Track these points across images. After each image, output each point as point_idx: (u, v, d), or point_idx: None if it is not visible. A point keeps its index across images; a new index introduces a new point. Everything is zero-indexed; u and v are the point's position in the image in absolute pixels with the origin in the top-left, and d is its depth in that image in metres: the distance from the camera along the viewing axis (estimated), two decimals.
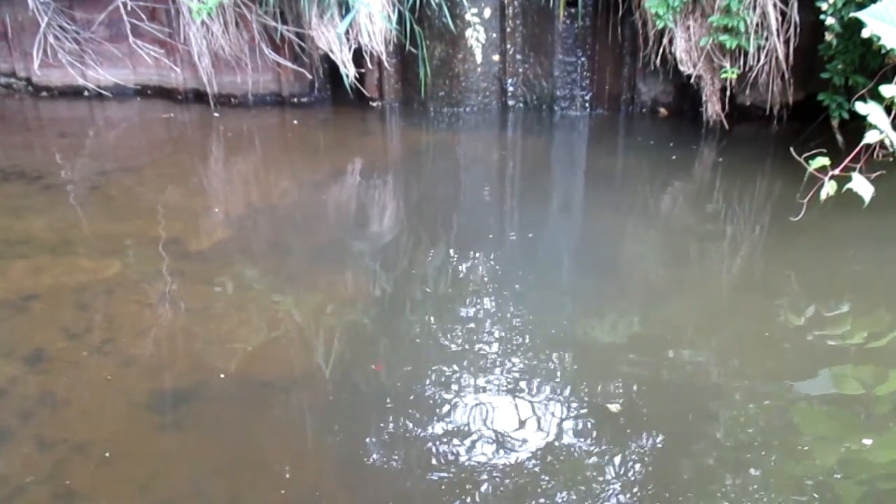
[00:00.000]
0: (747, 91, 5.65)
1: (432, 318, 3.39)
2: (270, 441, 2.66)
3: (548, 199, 4.85)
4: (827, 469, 2.52)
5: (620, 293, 3.65)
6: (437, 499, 2.40)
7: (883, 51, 4.20)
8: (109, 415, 2.78)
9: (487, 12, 5.86)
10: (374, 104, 6.48)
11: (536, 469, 2.51)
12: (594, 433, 2.69)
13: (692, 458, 2.58)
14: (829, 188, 3.48)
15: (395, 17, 5.83)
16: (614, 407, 2.76)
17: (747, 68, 5.38)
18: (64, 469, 2.51)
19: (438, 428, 2.71)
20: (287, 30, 6.02)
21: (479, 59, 5.83)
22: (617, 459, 2.56)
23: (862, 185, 3.38)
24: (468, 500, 2.39)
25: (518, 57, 6.18)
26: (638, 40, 5.88)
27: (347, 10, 5.63)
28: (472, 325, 3.34)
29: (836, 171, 3.50)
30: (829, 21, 4.63)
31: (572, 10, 5.90)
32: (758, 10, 5.15)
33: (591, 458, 2.57)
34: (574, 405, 2.83)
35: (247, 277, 3.78)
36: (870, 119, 3.41)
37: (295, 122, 6.24)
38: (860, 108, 3.46)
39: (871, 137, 3.42)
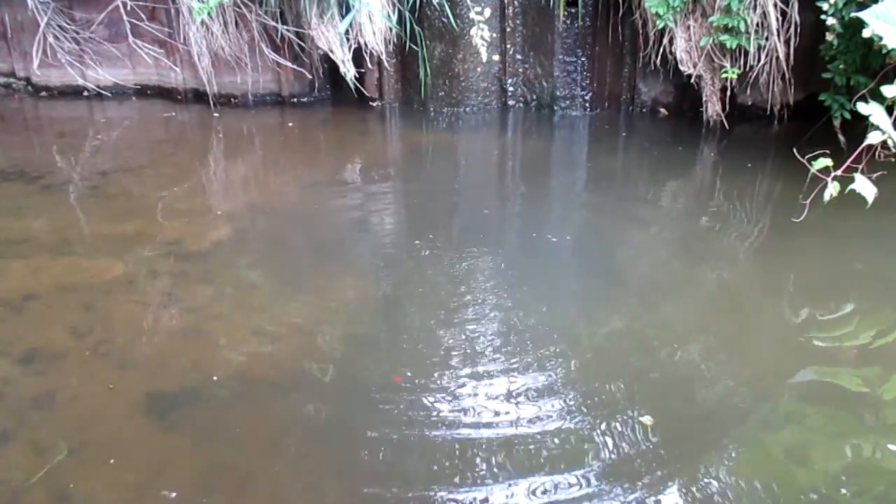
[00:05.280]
0: (748, 91, 5.66)
1: (433, 319, 3.38)
2: (270, 441, 2.64)
3: (548, 199, 4.84)
4: (829, 469, 2.51)
5: (621, 293, 3.64)
6: (437, 500, 2.39)
7: (884, 51, 4.19)
8: (108, 416, 2.77)
9: (487, 12, 5.86)
10: (374, 104, 6.48)
11: (539, 469, 2.50)
12: (593, 432, 2.68)
13: (693, 457, 2.57)
14: (832, 189, 3.47)
15: (394, 17, 5.82)
16: (646, 419, 2.72)
17: (748, 68, 5.38)
18: (62, 470, 2.50)
19: (440, 430, 2.69)
20: (287, 30, 6.01)
21: (484, 57, 5.82)
22: (617, 459, 2.55)
23: (865, 186, 3.37)
24: (469, 500, 2.38)
25: (518, 57, 6.18)
26: (638, 40, 5.88)
27: (347, 10, 5.62)
28: (473, 325, 3.32)
29: (839, 172, 3.48)
30: (830, 21, 4.62)
31: (572, 10, 5.90)
32: (758, 10, 5.15)
33: (588, 457, 2.56)
34: (573, 405, 2.82)
35: (246, 278, 3.77)
36: (872, 119, 3.40)
37: (295, 122, 6.24)
38: (862, 108, 3.44)
39: (873, 138, 3.40)
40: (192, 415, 2.78)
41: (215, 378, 2.96)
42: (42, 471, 2.49)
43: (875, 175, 3.51)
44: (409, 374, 2.99)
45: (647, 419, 2.71)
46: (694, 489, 2.43)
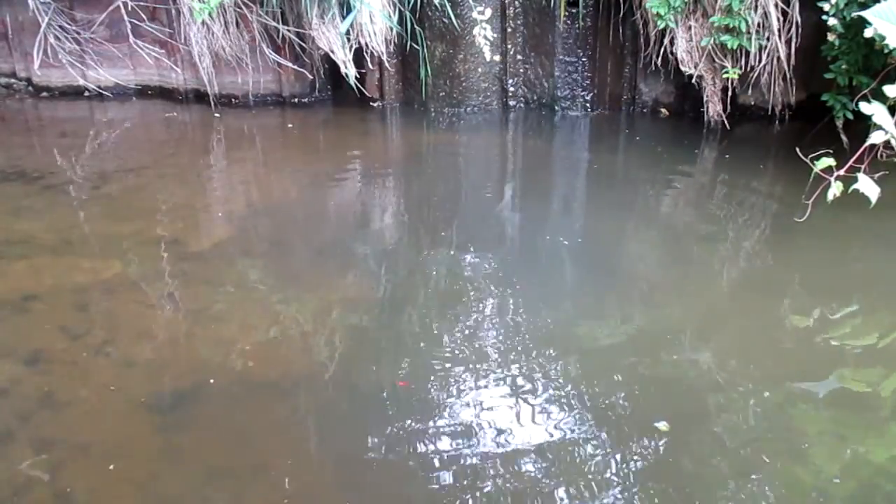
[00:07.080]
0: (749, 91, 5.65)
1: (434, 320, 3.38)
2: (270, 442, 2.64)
3: (548, 199, 4.83)
4: (831, 471, 2.50)
5: (623, 294, 3.63)
6: (438, 501, 2.38)
7: (886, 50, 4.19)
8: (109, 415, 2.76)
9: (488, 12, 5.84)
10: (375, 104, 6.47)
11: (537, 469, 2.50)
12: (594, 433, 2.67)
13: (694, 459, 2.56)
14: (835, 189, 3.46)
15: (395, 17, 5.82)
16: (662, 425, 2.69)
17: (749, 68, 5.38)
18: (64, 470, 2.49)
19: (440, 431, 2.69)
20: (288, 30, 6.00)
21: (487, 56, 5.80)
22: (618, 460, 2.54)
23: (868, 186, 3.36)
24: (470, 502, 2.37)
25: (519, 57, 6.17)
26: (639, 40, 5.87)
27: (348, 11, 5.62)
28: (474, 326, 3.32)
29: (841, 172, 3.48)
30: (832, 21, 4.62)
31: (573, 11, 5.89)
32: (759, 10, 5.14)
33: (592, 458, 2.55)
34: (575, 406, 2.81)
35: (247, 278, 3.76)
36: (874, 119, 3.39)
37: (295, 122, 6.23)
38: (864, 108, 3.44)
39: (876, 138, 3.40)
40: (192, 415, 2.78)
41: (216, 377, 2.95)
42: (43, 469, 2.49)
43: (878, 175, 3.50)
44: (410, 374, 2.98)
45: (662, 425, 2.70)
46: (710, 495, 2.42)
